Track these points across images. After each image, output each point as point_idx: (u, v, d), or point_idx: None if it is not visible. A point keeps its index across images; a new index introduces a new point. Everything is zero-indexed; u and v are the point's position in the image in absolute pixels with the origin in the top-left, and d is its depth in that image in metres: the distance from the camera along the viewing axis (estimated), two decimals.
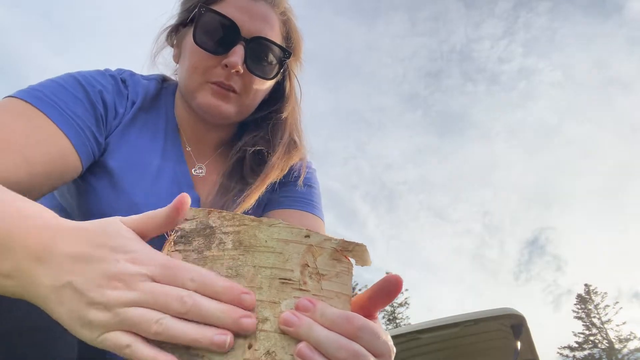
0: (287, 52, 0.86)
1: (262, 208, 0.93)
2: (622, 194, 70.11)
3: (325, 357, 0.39)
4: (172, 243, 0.45)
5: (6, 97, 0.70)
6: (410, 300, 36.60)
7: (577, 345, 36.72)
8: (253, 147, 0.90)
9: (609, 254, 65.29)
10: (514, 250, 65.14)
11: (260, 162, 0.90)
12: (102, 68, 0.87)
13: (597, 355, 35.59)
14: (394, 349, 0.44)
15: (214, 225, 0.45)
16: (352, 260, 0.45)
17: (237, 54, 0.79)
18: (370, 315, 0.45)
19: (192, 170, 0.90)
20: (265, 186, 0.87)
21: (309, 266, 0.44)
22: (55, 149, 0.69)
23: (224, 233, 0.45)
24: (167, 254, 0.44)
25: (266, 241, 0.44)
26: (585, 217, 69.97)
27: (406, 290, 37.07)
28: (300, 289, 0.43)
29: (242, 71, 0.80)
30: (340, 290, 0.44)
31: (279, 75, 0.89)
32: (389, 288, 0.44)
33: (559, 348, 37.50)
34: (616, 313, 36.15)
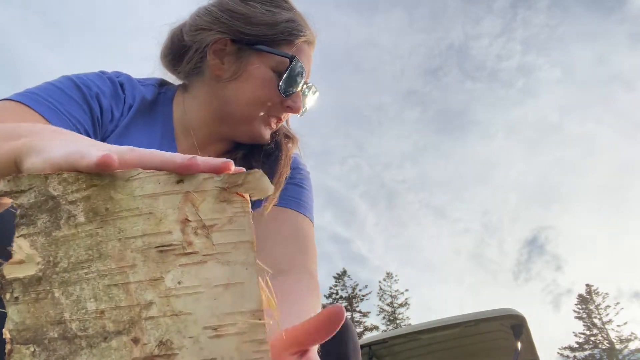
0: (317, 94, 0.97)
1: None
2: (623, 193, 70.23)
3: None
4: (16, 227, 0.34)
5: (1, 100, 0.71)
6: (411, 301, 36.53)
7: (577, 346, 36.78)
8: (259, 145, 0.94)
9: (609, 253, 65.44)
10: (514, 249, 65.04)
11: (267, 155, 0.94)
12: (97, 70, 0.87)
13: (597, 356, 35.64)
14: None
15: (56, 194, 0.34)
16: (247, 196, 0.35)
17: (301, 100, 0.89)
18: (303, 350, 0.40)
19: None
20: (284, 182, 0.90)
21: (190, 220, 0.34)
22: None
23: (71, 203, 0.34)
24: (14, 243, 0.35)
25: (127, 202, 0.34)
26: (585, 216, 70.03)
27: (406, 290, 37.13)
28: (186, 253, 0.33)
29: None
30: (238, 239, 0.34)
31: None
32: (329, 325, 0.37)
33: (559, 348, 37.59)
34: (617, 313, 36.19)
